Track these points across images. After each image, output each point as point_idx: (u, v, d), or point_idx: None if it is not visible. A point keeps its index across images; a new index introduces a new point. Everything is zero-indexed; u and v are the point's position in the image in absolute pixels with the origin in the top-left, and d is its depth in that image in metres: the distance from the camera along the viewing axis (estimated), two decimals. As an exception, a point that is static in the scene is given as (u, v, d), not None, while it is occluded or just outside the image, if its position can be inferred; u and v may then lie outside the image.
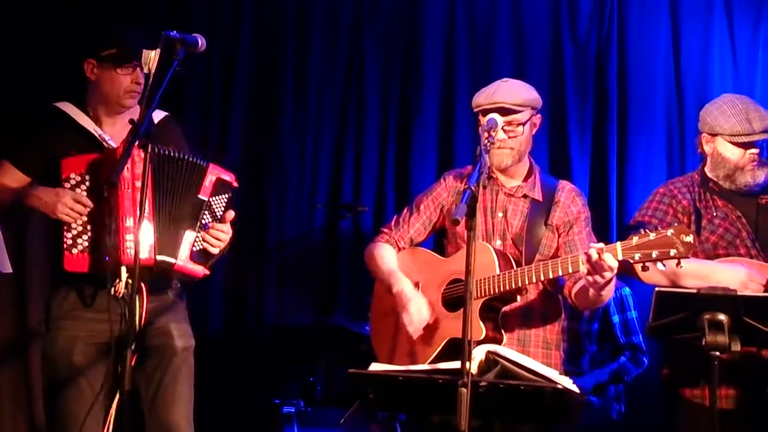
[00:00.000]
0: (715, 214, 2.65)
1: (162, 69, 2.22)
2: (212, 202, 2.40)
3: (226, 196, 2.42)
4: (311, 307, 3.82)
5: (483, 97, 2.55)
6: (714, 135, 2.67)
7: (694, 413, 2.53)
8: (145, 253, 2.28)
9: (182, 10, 3.85)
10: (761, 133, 2.60)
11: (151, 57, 2.25)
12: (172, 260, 2.34)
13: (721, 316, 2.23)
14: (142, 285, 2.28)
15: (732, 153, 2.63)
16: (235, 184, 2.43)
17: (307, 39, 4.05)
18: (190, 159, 2.40)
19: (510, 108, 2.48)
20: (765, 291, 2.45)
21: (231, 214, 2.42)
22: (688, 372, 2.55)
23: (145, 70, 2.27)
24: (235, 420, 3.65)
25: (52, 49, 3.66)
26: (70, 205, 2.28)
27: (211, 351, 2.48)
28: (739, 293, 2.30)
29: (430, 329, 2.51)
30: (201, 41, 2.27)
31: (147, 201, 2.28)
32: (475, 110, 2.56)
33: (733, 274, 2.48)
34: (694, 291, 2.29)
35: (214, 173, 2.41)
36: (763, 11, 3.82)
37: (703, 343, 2.24)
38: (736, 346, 2.24)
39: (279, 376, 3.74)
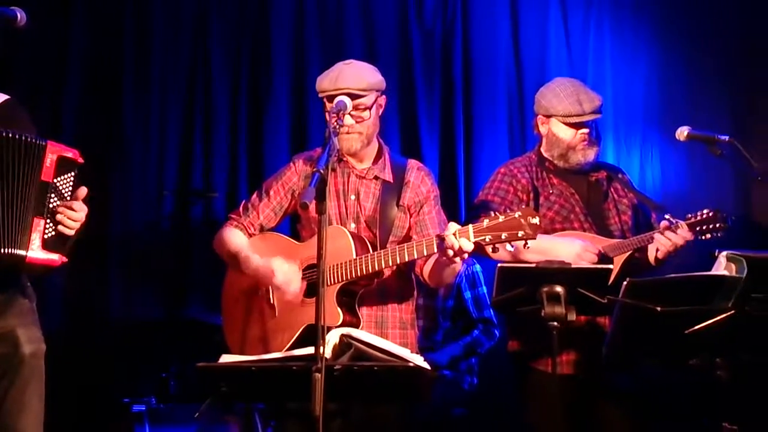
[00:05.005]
0: (551, 191, 2.81)
1: None
2: (57, 184, 2.19)
3: (72, 174, 2.22)
4: (162, 300, 3.66)
5: (327, 82, 2.50)
6: (548, 116, 2.82)
7: (540, 380, 2.67)
8: None
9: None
10: (591, 114, 2.77)
11: None
12: (22, 252, 2.13)
13: (558, 288, 2.37)
14: None
15: (565, 133, 2.80)
16: (80, 160, 2.23)
17: (148, 19, 3.85)
18: (23, 138, 2.16)
19: (355, 93, 2.46)
20: (598, 262, 2.64)
21: (83, 191, 2.23)
22: (532, 342, 2.70)
23: None
24: (82, 424, 3.44)
25: None
26: None
27: (50, 351, 2.27)
28: (573, 266, 2.45)
29: (287, 316, 2.47)
30: (20, 15, 2.08)
31: None
32: (320, 95, 2.52)
33: (569, 248, 2.64)
34: (533, 265, 2.42)
35: (54, 152, 2.19)
36: (593, 1, 4.08)
37: (543, 314, 2.37)
38: (572, 316, 2.39)
39: (129, 374, 3.57)
